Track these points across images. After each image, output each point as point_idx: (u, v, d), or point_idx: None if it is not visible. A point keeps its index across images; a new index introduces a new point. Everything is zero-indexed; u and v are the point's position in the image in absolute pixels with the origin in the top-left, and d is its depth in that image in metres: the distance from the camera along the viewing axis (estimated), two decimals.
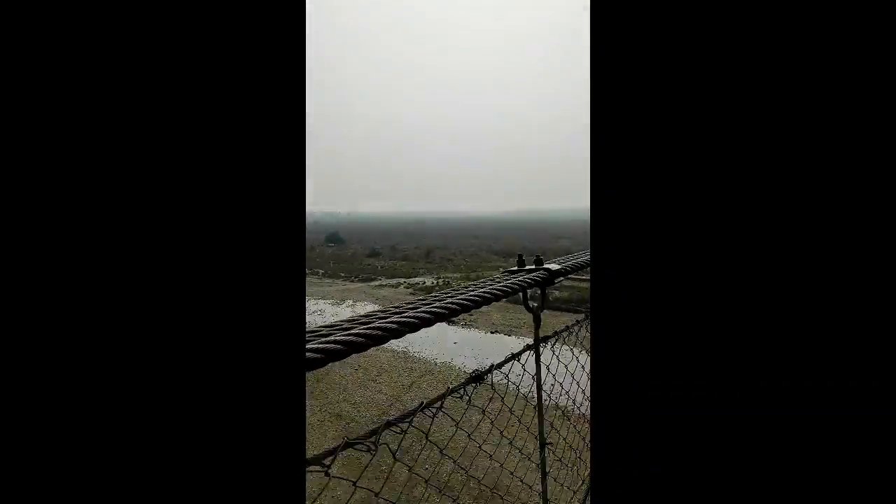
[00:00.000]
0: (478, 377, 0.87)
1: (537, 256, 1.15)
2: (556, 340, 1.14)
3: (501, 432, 1.20)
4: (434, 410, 0.82)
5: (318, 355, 0.52)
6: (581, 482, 1.62)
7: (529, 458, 1.35)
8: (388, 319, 0.66)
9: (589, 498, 1.49)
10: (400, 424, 0.71)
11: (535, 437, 1.30)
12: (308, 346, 0.53)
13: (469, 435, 1.04)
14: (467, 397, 0.86)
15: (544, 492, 1.20)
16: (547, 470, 1.25)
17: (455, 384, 0.91)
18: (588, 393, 1.55)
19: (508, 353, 1.11)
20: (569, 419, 1.57)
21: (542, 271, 1.07)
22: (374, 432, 0.65)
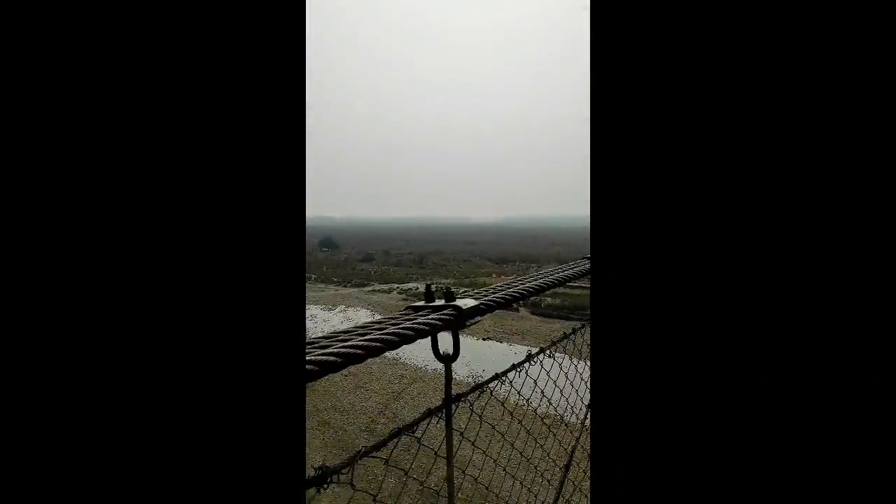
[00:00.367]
0: (442, 407, 0.82)
1: (448, 289, 0.88)
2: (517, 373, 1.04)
3: (485, 452, 1.17)
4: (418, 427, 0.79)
5: (315, 367, 0.52)
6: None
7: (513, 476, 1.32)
8: (385, 331, 0.66)
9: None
10: (375, 455, 0.69)
11: (521, 453, 1.28)
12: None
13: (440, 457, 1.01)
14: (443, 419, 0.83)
15: None
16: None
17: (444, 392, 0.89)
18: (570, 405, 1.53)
19: (501, 360, 1.08)
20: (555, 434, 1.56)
21: (449, 309, 0.83)
22: (349, 462, 0.63)
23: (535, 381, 1.15)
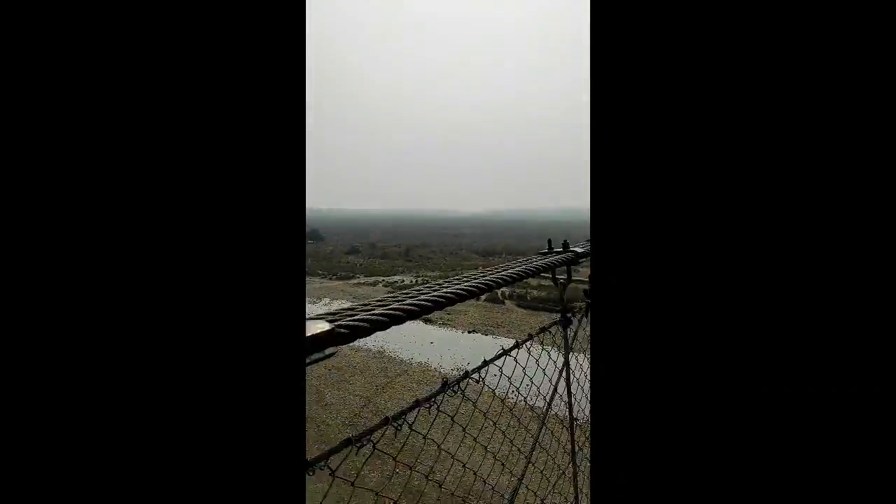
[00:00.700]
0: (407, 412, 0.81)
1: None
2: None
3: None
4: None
5: (345, 331, 0.57)
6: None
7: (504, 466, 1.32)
8: (410, 301, 0.69)
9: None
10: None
11: (512, 443, 1.28)
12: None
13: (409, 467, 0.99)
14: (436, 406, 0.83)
15: None
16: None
17: (430, 386, 0.88)
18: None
19: (488, 354, 1.06)
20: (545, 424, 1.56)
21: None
22: (320, 458, 0.64)
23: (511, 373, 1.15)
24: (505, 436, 1.26)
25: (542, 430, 1.39)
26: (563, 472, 1.55)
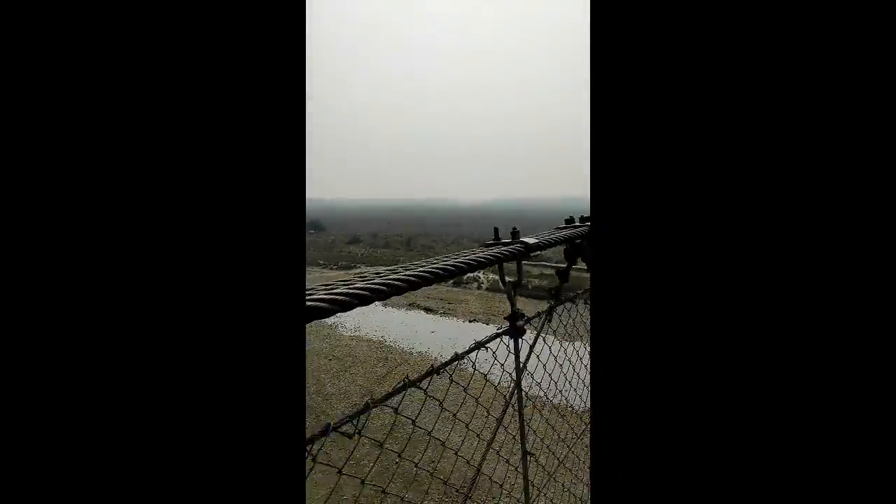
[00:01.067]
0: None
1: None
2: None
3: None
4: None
5: (325, 305, 0.55)
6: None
7: (499, 454, 1.33)
8: (385, 279, 0.68)
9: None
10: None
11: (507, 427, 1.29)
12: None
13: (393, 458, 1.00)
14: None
15: None
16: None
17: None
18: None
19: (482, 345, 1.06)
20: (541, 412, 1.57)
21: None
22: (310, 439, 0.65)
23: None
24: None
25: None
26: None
